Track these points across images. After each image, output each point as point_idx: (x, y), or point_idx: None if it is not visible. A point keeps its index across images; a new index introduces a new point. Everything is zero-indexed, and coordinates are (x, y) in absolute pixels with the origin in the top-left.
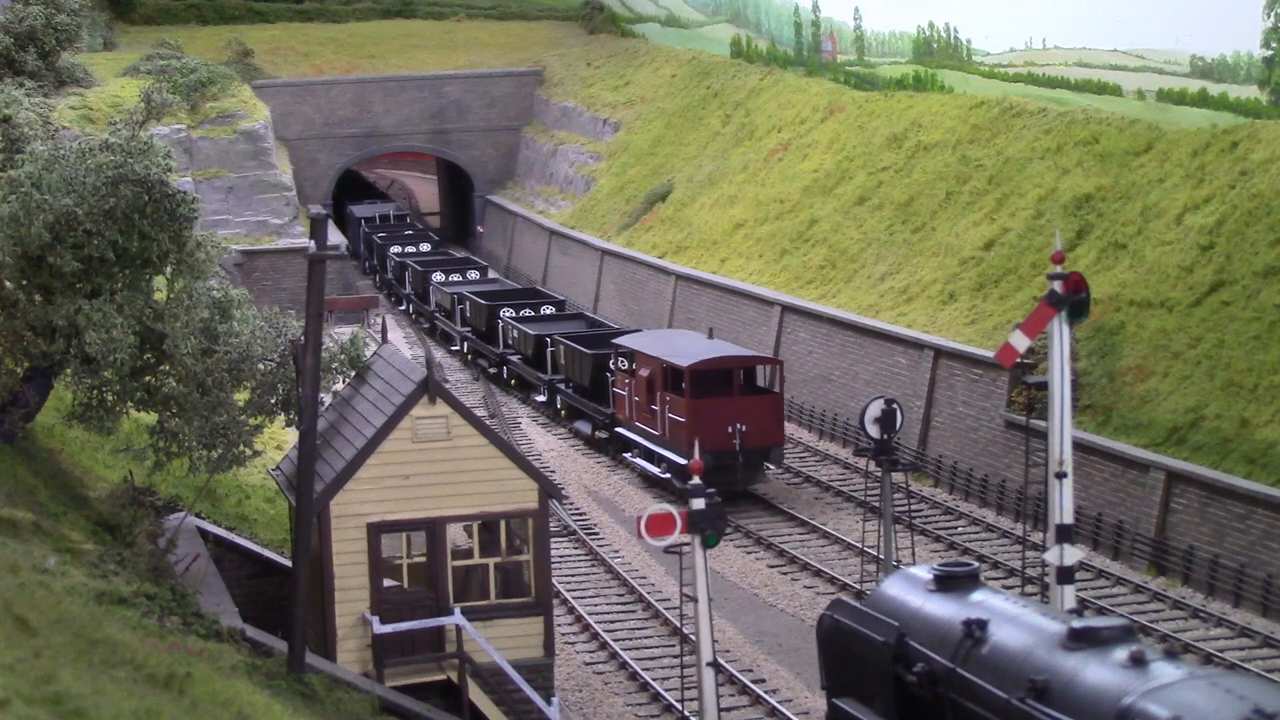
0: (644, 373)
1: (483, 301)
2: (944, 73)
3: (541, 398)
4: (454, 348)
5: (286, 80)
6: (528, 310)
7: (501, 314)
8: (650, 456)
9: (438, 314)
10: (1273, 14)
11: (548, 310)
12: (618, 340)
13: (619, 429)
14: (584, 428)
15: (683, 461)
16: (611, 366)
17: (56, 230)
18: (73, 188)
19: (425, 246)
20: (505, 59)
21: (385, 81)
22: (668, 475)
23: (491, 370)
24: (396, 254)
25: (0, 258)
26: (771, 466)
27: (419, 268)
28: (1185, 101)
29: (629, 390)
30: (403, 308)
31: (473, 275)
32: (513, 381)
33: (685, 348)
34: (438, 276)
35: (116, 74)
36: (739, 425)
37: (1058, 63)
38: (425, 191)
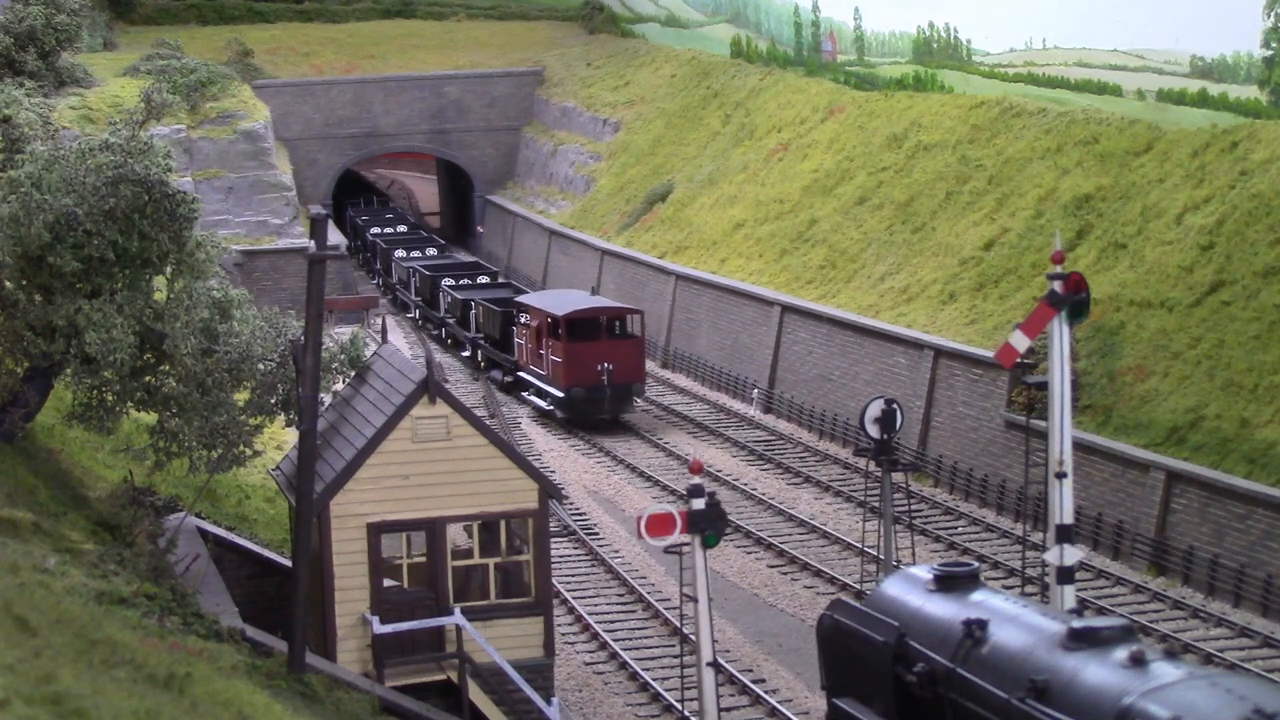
0: (534, 323)
1: (427, 273)
2: (944, 73)
3: (467, 353)
4: (409, 315)
5: (286, 80)
6: (465, 280)
7: (442, 283)
8: (541, 394)
9: (398, 286)
10: (1273, 14)
11: (483, 280)
12: (518, 299)
13: (519, 373)
14: (497, 375)
15: (560, 394)
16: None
17: (56, 230)
18: (73, 188)
19: (402, 228)
20: (505, 59)
21: (385, 81)
22: (551, 407)
23: (434, 331)
24: (373, 234)
25: (0, 258)
26: (639, 400)
27: (384, 245)
28: (1185, 101)
29: (525, 339)
30: (375, 281)
31: (431, 251)
32: (449, 341)
33: (565, 301)
34: (399, 253)
35: (116, 74)
36: (606, 364)
37: (1058, 63)
38: (425, 191)
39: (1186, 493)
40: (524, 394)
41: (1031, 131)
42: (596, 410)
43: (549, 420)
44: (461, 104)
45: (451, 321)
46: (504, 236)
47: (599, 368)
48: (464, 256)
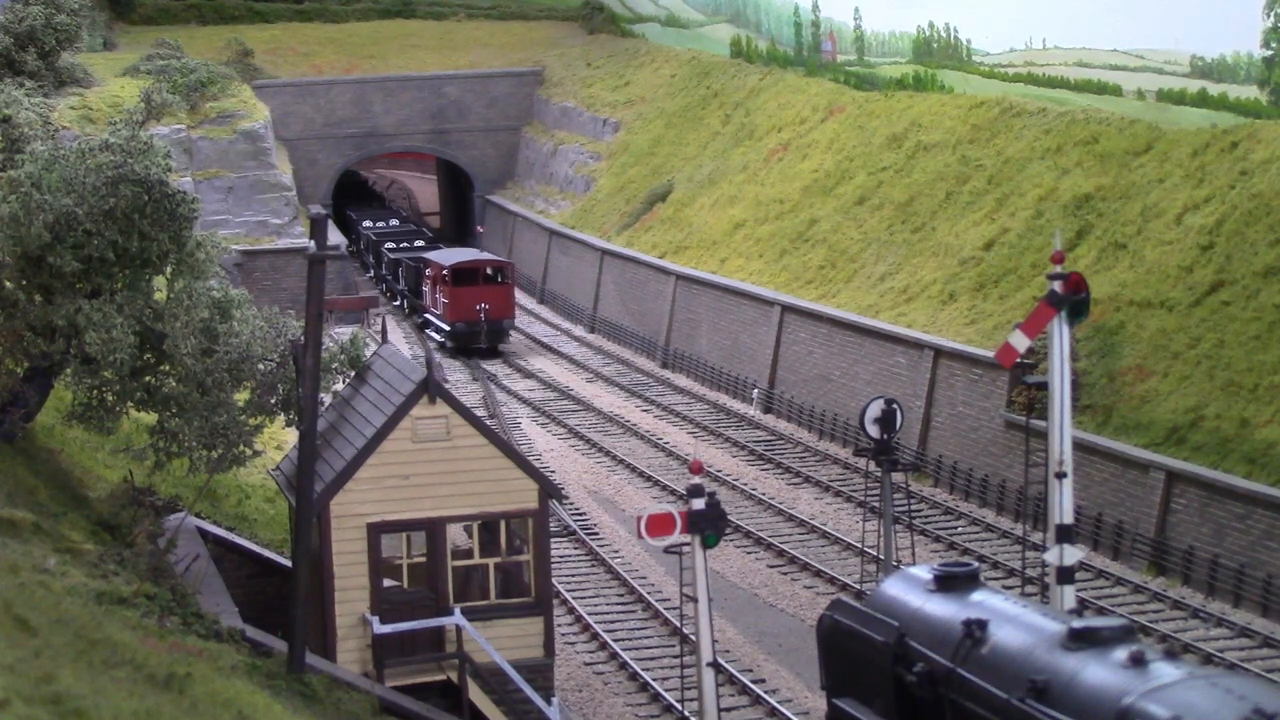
0: (432, 274)
1: (374, 238)
2: (944, 73)
3: (397, 302)
4: (368, 275)
5: (286, 80)
6: (404, 244)
7: (384, 247)
8: (437, 330)
9: (364, 253)
10: (1273, 14)
11: (419, 244)
12: (423, 255)
13: (425, 314)
14: (416, 318)
15: (448, 328)
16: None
17: (56, 230)
18: (73, 188)
19: (376, 203)
20: (505, 59)
21: (385, 81)
22: (442, 339)
23: (379, 286)
24: (352, 213)
25: (0, 258)
26: (511, 335)
27: (354, 217)
28: (1185, 101)
29: (428, 287)
30: (350, 249)
31: (393, 223)
32: (388, 294)
33: (454, 255)
34: (366, 223)
35: (116, 74)
36: (483, 304)
37: (1058, 63)
38: (425, 191)
39: (1186, 493)
40: (427, 331)
41: (1031, 131)
42: (475, 341)
43: (549, 419)
44: (461, 104)
45: (389, 278)
46: (504, 236)
47: (477, 307)
48: (411, 224)
